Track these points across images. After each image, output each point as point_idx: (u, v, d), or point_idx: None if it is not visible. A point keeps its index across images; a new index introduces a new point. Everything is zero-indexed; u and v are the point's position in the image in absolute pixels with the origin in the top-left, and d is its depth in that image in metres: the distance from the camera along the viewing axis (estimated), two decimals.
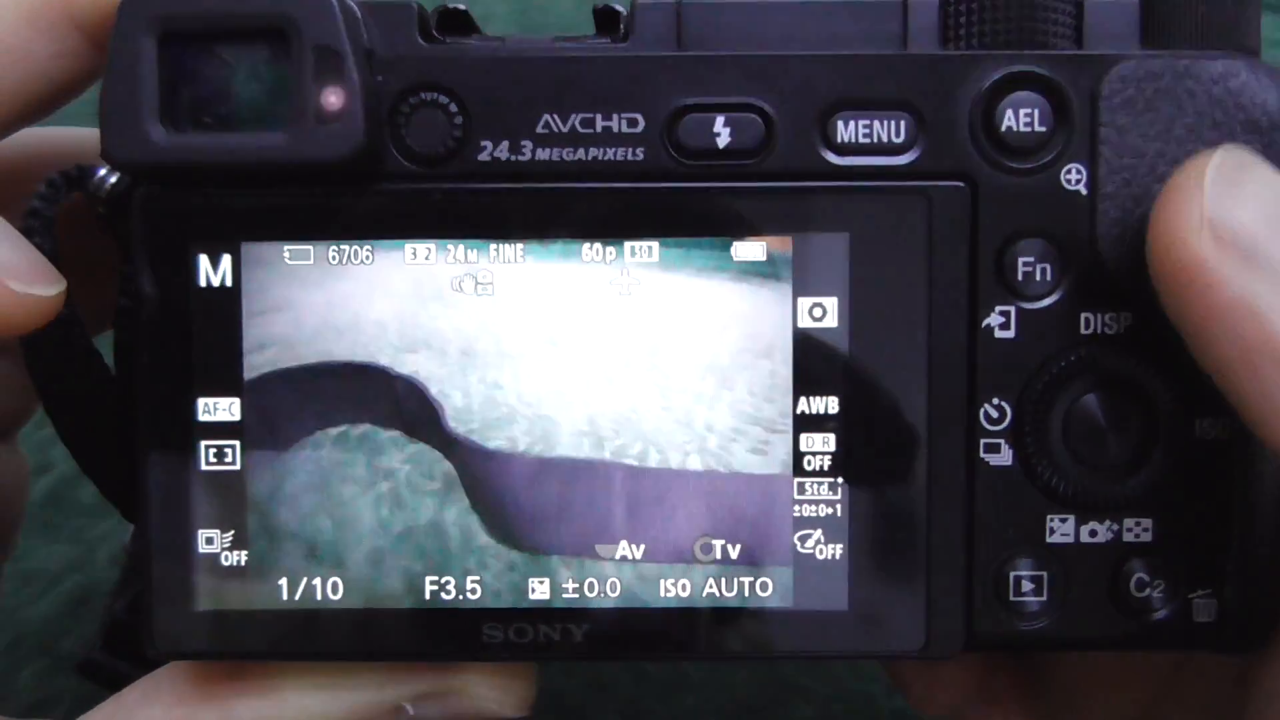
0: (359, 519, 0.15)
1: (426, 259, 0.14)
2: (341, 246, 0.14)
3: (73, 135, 0.19)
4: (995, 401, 0.14)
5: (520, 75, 0.13)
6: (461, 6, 0.14)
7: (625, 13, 0.14)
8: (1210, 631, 0.15)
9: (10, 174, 0.17)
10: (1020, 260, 0.14)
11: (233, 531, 0.15)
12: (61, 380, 0.16)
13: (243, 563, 0.15)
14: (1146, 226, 0.13)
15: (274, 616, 0.15)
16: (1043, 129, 0.13)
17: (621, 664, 0.33)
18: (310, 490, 0.15)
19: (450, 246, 0.14)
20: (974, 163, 0.14)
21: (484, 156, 0.14)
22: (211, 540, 0.15)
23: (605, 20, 0.14)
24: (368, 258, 0.14)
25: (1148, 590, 0.14)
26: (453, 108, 0.13)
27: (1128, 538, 0.14)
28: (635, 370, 0.14)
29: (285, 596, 0.15)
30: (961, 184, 0.14)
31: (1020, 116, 0.13)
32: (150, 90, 0.13)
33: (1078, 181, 0.14)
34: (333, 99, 0.13)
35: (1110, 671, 0.19)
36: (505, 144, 0.13)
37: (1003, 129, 0.13)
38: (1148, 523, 0.14)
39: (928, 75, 0.13)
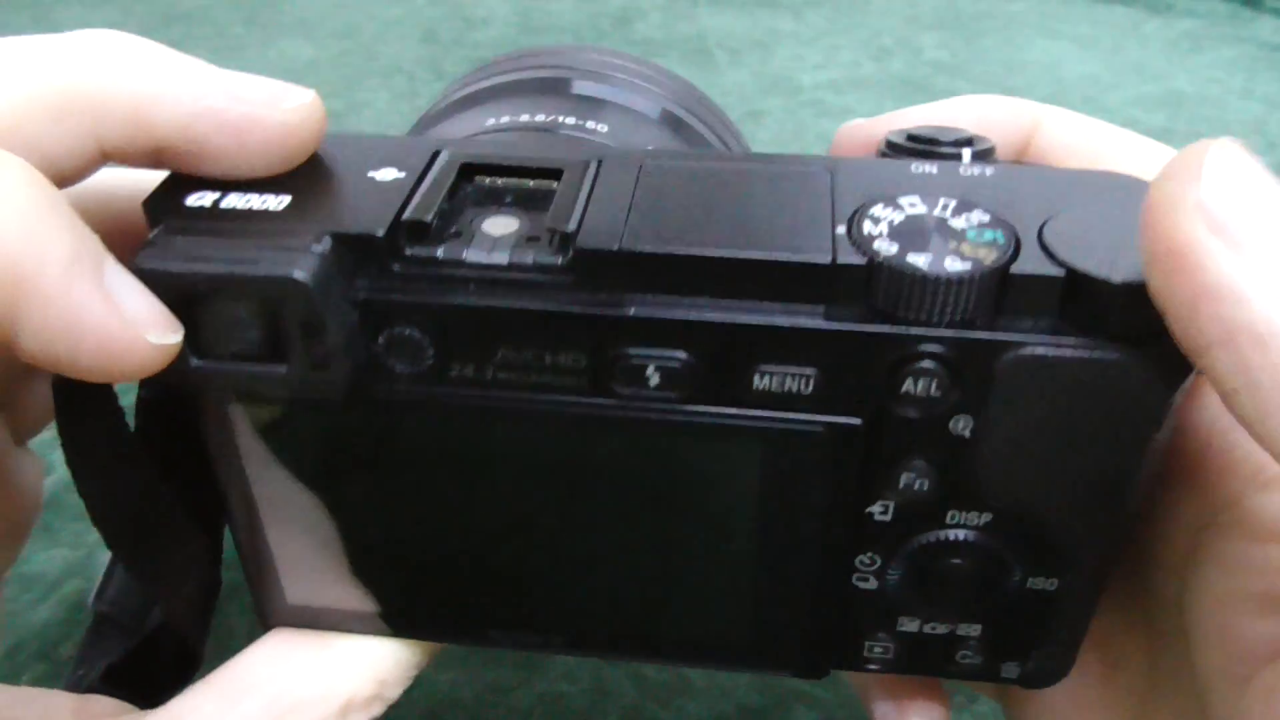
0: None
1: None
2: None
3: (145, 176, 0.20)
4: (869, 554, 0.18)
5: (479, 316, 0.15)
6: (427, 219, 0.15)
7: (571, 233, 0.15)
8: (1013, 681, 0.19)
9: (94, 213, 0.19)
10: (902, 475, 0.16)
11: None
12: (88, 435, 0.18)
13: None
14: (1019, 456, 0.16)
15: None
16: (937, 394, 0.15)
17: (623, 669, 0.33)
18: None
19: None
20: (872, 406, 0.16)
21: (454, 373, 0.16)
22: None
23: (561, 242, 0.15)
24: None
25: (969, 659, 0.19)
26: (425, 341, 0.16)
27: (959, 633, 0.18)
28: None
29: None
30: (858, 421, 0.16)
31: (919, 383, 0.15)
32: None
33: (963, 428, 0.16)
34: (319, 350, 0.15)
35: (1074, 710, 0.21)
36: (471, 366, 0.16)
37: (902, 390, 0.15)
38: (977, 627, 0.18)
39: (842, 347, 0.15)
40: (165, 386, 0.16)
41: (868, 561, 0.18)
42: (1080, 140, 0.21)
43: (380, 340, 0.16)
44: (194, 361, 0.16)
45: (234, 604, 0.32)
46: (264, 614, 0.20)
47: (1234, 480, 0.17)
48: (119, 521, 0.18)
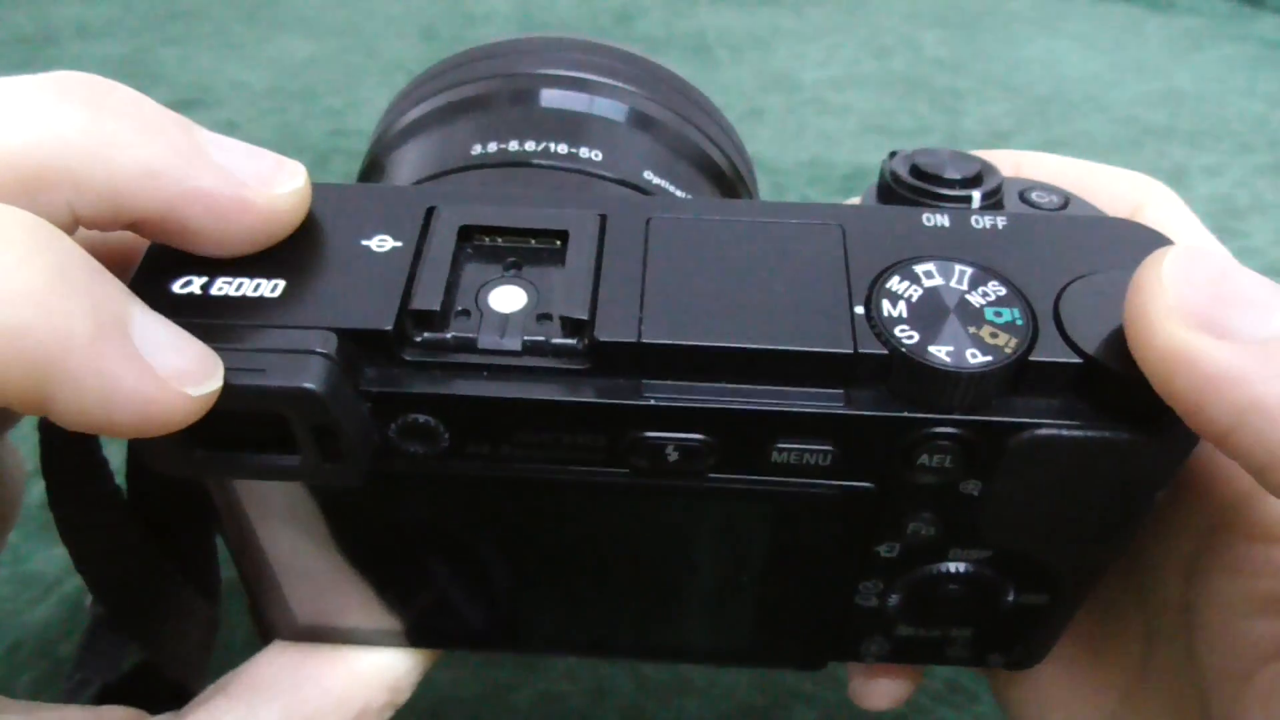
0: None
1: None
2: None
3: None
4: (874, 581, 0.18)
5: (494, 405, 0.15)
6: (435, 308, 0.15)
7: (585, 321, 0.15)
8: (996, 666, 0.21)
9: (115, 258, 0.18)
10: (910, 524, 0.17)
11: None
12: (73, 483, 0.17)
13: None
14: (1020, 512, 0.16)
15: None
16: (950, 466, 0.16)
17: (622, 667, 0.33)
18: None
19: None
20: (885, 473, 0.16)
21: (470, 451, 0.16)
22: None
23: (575, 328, 0.15)
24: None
25: (957, 651, 0.20)
26: (440, 428, 0.15)
27: (951, 634, 0.20)
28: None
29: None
30: (871, 485, 0.16)
31: (934, 459, 0.15)
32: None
33: (972, 489, 0.16)
34: (332, 447, 0.15)
35: (1068, 686, 0.22)
36: (487, 446, 0.16)
37: (917, 463, 0.16)
38: (968, 631, 0.19)
39: (861, 429, 0.15)
40: (164, 472, 0.15)
41: (870, 587, 0.18)
42: (1056, 177, 0.22)
43: (393, 428, 0.15)
44: (199, 453, 0.15)
45: (234, 602, 0.32)
46: (274, 630, 0.20)
47: (1241, 483, 0.17)
48: (110, 584, 0.18)
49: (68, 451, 0.17)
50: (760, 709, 0.32)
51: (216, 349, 0.14)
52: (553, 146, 0.20)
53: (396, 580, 0.19)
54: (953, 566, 0.18)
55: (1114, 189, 0.21)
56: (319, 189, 0.17)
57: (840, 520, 0.17)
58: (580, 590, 0.19)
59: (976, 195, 0.17)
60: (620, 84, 0.22)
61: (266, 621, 0.19)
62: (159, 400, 0.14)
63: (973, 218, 0.16)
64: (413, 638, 0.20)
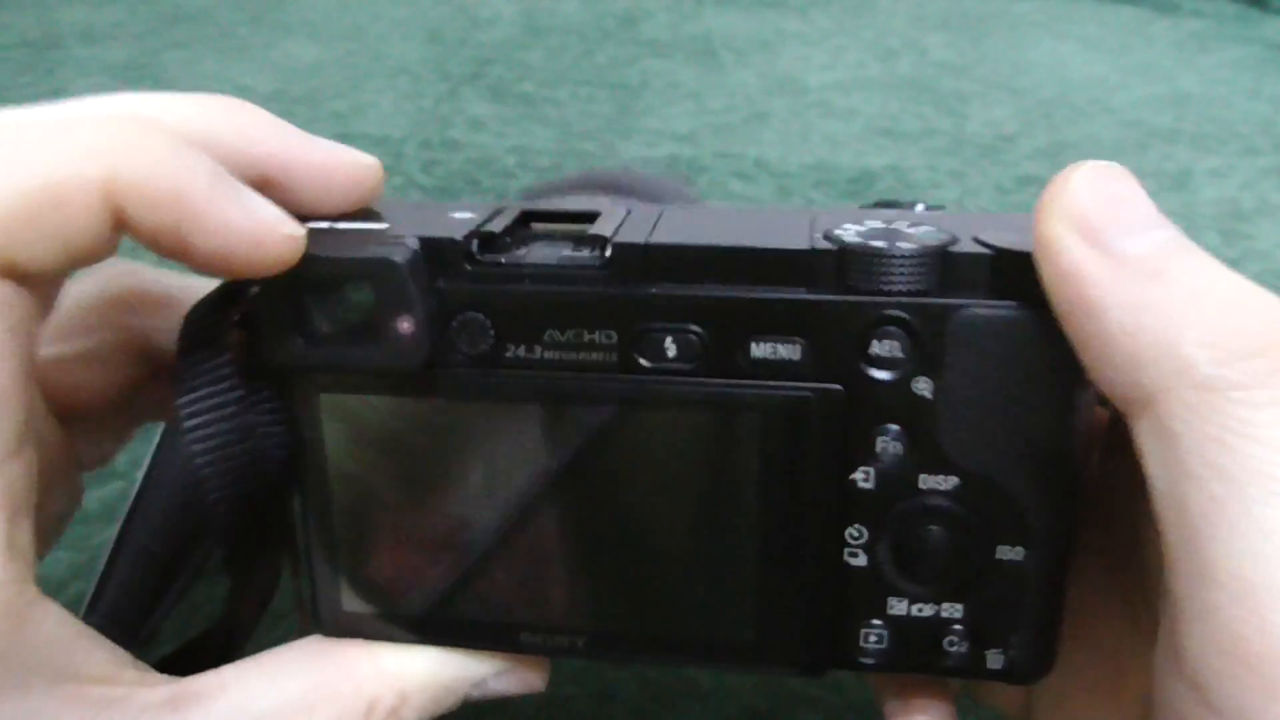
0: None
1: None
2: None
3: (149, 271, 0.24)
4: (857, 526, 0.20)
5: (532, 301, 0.19)
6: (497, 231, 0.20)
7: (607, 238, 0.19)
8: (1000, 672, 0.20)
9: (104, 300, 0.23)
10: (879, 439, 0.19)
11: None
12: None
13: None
14: (975, 417, 0.19)
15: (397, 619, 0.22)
16: (900, 355, 0.18)
17: (628, 671, 0.32)
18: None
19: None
20: (849, 372, 0.19)
21: (509, 355, 0.20)
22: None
23: (599, 245, 0.19)
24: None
25: (955, 646, 0.20)
26: (488, 324, 0.19)
27: (944, 614, 0.20)
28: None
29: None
30: (840, 386, 0.19)
31: (885, 345, 0.18)
32: (290, 319, 0.19)
33: (924, 389, 0.19)
34: (406, 326, 0.19)
35: (1089, 704, 0.22)
36: (523, 347, 0.19)
37: (871, 352, 0.19)
38: (959, 607, 0.20)
39: (820, 315, 0.18)
40: (278, 367, 0.20)
41: (856, 535, 0.20)
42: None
43: (452, 324, 0.19)
44: (301, 344, 0.19)
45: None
46: (319, 620, 0.22)
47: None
48: (242, 531, 0.21)
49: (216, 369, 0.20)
50: (765, 713, 0.32)
51: (334, 241, 0.19)
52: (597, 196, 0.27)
53: (433, 534, 0.21)
54: (927, 501, 0.19)
55: None
56: (419, 203, 0.22)
57: (818, 428, 0.19)
58: (595, 549, 0.21)
59: (921, 205, 0.21)
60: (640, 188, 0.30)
61: (318, 610, 0.22)
62: (264, 237, 0.18)
63: (915, 211, 0.20)
64: (441, 631, 0.22)
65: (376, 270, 0.19)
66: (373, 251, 0.19)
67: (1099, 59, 0.87)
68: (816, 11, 1.00)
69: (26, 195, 0.17)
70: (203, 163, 0.18)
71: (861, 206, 0.21)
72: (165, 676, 0.20)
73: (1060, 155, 0.67)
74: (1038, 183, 0.63)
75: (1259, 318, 0.16)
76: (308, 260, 0.19)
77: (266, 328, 0.19)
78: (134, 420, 0.25)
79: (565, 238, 0.20)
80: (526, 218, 0.21)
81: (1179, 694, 0.16)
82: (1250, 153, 0.68)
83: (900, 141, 0.69)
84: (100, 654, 0.19)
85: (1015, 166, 0.65)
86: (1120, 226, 0.16)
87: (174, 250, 0.18)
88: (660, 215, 0.20)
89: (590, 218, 0.20)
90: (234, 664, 0.20)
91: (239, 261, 0.18)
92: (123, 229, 0.18)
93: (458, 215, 0.20)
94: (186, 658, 0.23)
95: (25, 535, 0.18)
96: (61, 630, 0.19)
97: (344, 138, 0.68)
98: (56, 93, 0.89)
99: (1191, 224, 0.57)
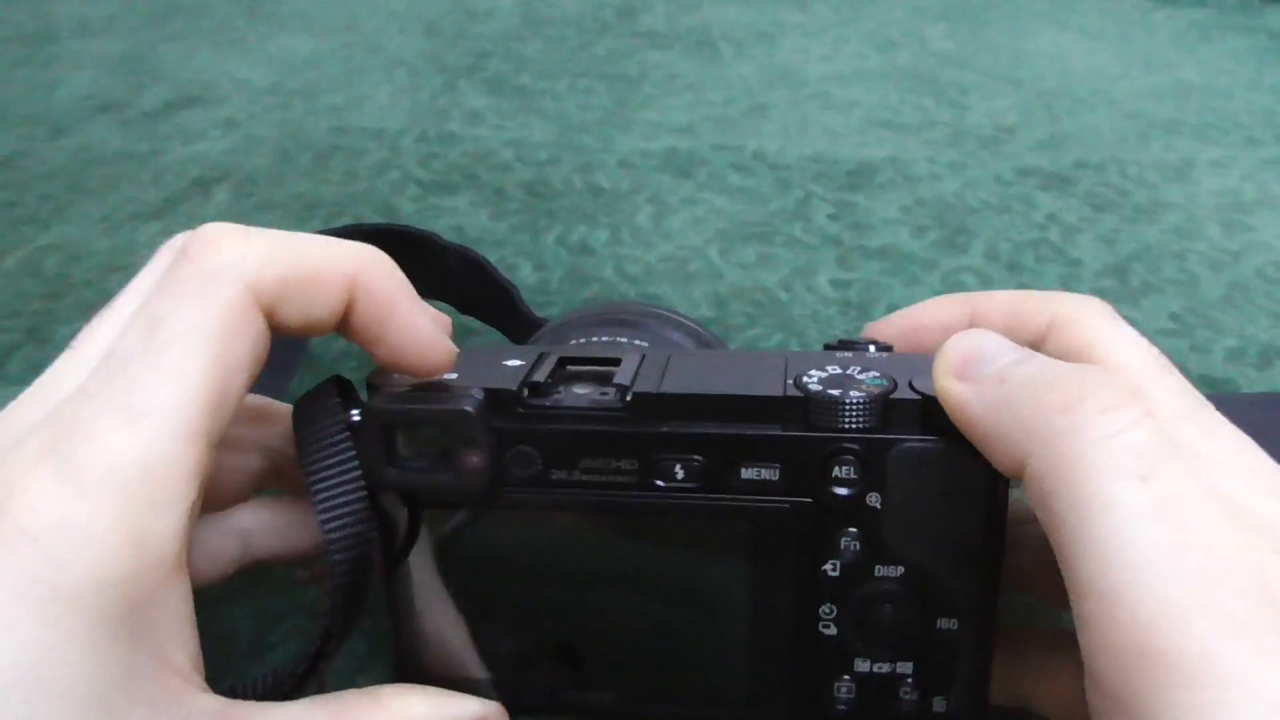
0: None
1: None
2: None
3: (271, 403, 0.29)
4: (828, 604, 0.25)
5: (570, 437, 0.24)
6: (543, 381, 0.25)
7: (627, 386, 0.24)
8: (944, 715, 0.26)
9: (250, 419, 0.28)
10: (841, 539, 0.24)
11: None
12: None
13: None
14: (913, 521, 0.24)
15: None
16: (854, 476, 0.24)
17: None
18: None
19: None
20: (817, 488, 0.24)
21: (553, 477, 0.25)
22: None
23: (621, 392, 0.24)
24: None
25: (909, 695, 0.26)
26: (536, 455, 0.25)
27: (898, 671, 0.25)
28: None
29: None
30: (809, 500, 0.24)
31: (843, 469, 0.24)
32: (384, 451, 0.24)
33: (874, 501, 0.24)
34: (474, 459, 0.24)
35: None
36: (564, 471, 0.25)
37: (832, 474, 0.24)
38: (910, 665, 0.25)
39: (792, 447, 0.24)
40: (373, 486, 0.24)
41: (827, 611, 0.25)
42: (1013, 309, 0.28)
43: (508, 454, 0.24)
44: (393, 472, 0.24)
45: (238, 608, 0.32)
46: (398, 667, 0.27)
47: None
48: (350, 587, 0.24)
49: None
50: None
51: (416, 395, 0.24)
52: (618, 338, 0.32)
53: (494, 619, 0.27)
54: (882, 585, 0.25)
55: (1058, 309, 0.26)
56: (490, 346, 0.28)
57: (793, 532, 0.24)
58: (620, 623, 0.26)
59: (873, 348, 0.27)
60: (679, 321, 0.35)
61: (396, 662, 0.27)
62: (435, 344, 0.24)
63: (867, 354, 0.26)
64: (497, 688, 0.27)
65: (453, 419, 0.24)
66: (450, 404, 0.24)
67: (1100, 49, 0.87)
68: (816, 2, 1.00)
69: (299, 267, 0.23)
70: (409, 285, 0.24)
71: (825, 346, 0.27)
72: (215, 696, 0.22)
73: (1061, 146, 0.67)
74: (1038, 174, 0.63)
75: (1076, 383, 0.21)
76: (400, 410, 0.24)
77: (363, 456, 0.24)
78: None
79: (595, 380, 0.25)
80: (563, 362, 0.26)
81: (1095, 699, 0.19)
82: (1252, 144, 0.68)
83: (900, 133, 0.69)
84: (191, 647, 0.22)
85: (1016, 158, 0.65)
86: (976, 364, 0.22)
87: (370, 339, 0.24)
88: (668, 363, 0.26)
89: (614, 362, 0.26)
90: (297, 703, 0.23)
91: (412, 358, 0.24)
92: (347, 313, 0.23)
93: (509, 363, 0.25)
94: (268, 683, 0.25)
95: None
96: (183, 609, 0.21)
97: (341, 131, 0.68)
98: (51, 85, 0.88)
99: (1193, 215, 0.57)
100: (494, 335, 0.46)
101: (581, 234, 0.55)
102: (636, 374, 0.25)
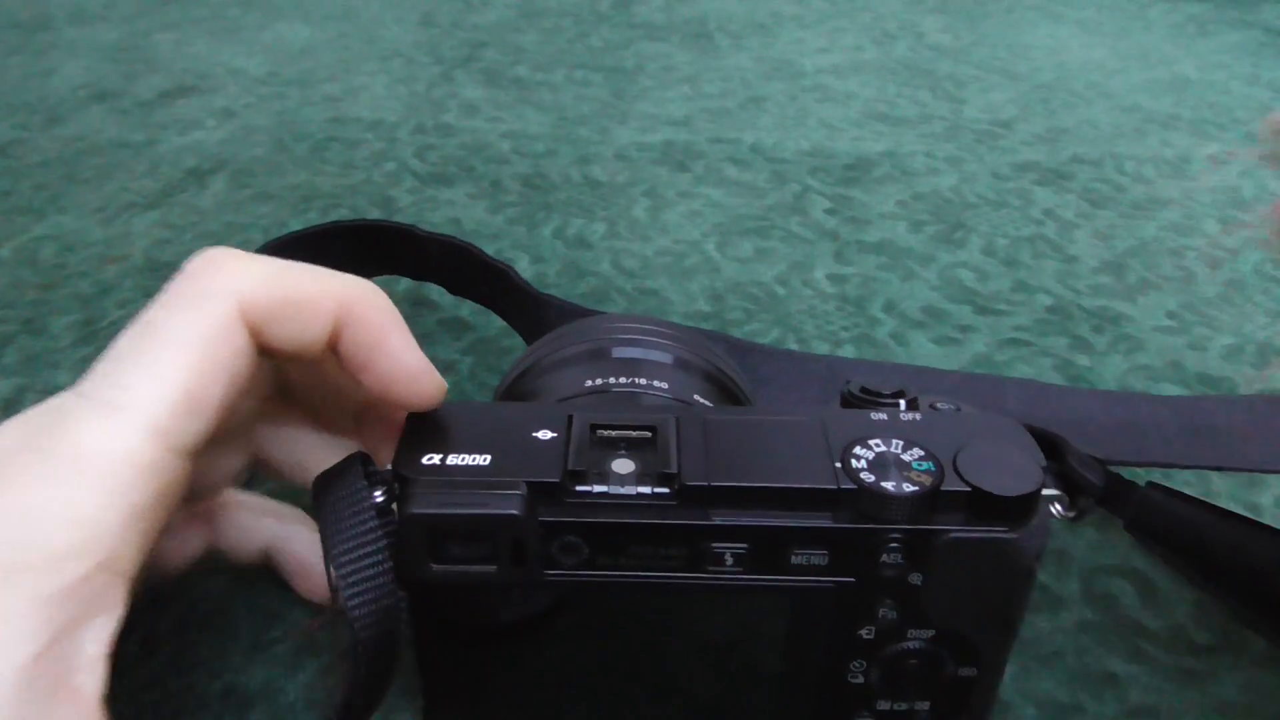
0: None
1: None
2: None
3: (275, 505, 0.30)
4: (859, 660, 0.26)
5: (618, 527, 0.24)
6: (583, 469, 0.24)
7: (674, 474, 0.24)
8: None
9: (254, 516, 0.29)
10: (880, 609, 0.25)
11: None
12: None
13: None
14: (950, 596, 0.25)
15: None
16: (900, 561, 0.24)
17: None
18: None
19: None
20: (861, 570, 0.24)
21: (599, 562, 0.24)
22: None
23: (667, 479, 0.24)
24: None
25: None
26: (583, 545, 0.24)
27: (915, 708, 0.27)
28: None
29: None
30: (854, 579, 0.25)
31: (890, 556, 0.24)
32: (425, 552, 0.24)
33: (916, 579, 0.25)
34: (519, 555, 0.24)
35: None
36: (611, 558, 0.24)
37: (880, 560, 0.24)
38: (926, 703, 0.27)
39: (843, 538, 0.24)
40: (415, 583, 0.24)
41: (858, 665, 0.26)
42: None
43: (554, 545, 0.24)
44: (435, 567, 0.24)
45: (238, 607, 0.32)
46: None
47: None
48: (376, 657, 0.24)
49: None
50: None
51: (458, 494, 0.23)
52: (637, 380, 0.32)
53: (536, 704, 0.27)
54: (911, 645, 0.26)
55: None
56: (509, 405, 0.27)
57: (835, 607, 0.25)
58: (672, 694, 0.27)
59: (902, 403, 0.27)
60: (664, 340, 0.34)
61: None
62: (424, 376, 0.24)
63: (900, 415, 0.26)
64: None
65: (501, 522, 0.24)
66: (496, 507, 0.23)
67: (1097, 43, 0.87)
68: None
69: (290, 290, 0.24)
70: (400, 319, 0.25)
71: (843, 395, 0.28)
72: None
73: (1057, 141, 0.67)
74: (1035, 169, 0.63)
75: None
76: (444, 515, 0.23)
77: (404, 555, 0.24)
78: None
79: (632, 449, 0.25)
80: (594, 427, 0.26)
81: None
82: (1250, 139, 0.68)
83: (897, 126, 0.69)
84: (101, 670, 0.21)
85: (1013, 153, 0.65)
86: None
87: (358, 366, 0.25)
88: (705, 432, 0.25)
89: (650, 429, 0.25)
90: None
91: (400, 388, 0.25)
92: (334, 341, 0.24)
93: (540, 436, 0.25)
94: None
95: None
96: (107, 628, 0.21)
97: (337, 121, 0.68)
98: (46, 74, 0.87)
99: (1190, 211, 0.57)
100: (489, 317, 0.46)
101: (578, 227, 0.55)
102: (679, 453, 0.25)
